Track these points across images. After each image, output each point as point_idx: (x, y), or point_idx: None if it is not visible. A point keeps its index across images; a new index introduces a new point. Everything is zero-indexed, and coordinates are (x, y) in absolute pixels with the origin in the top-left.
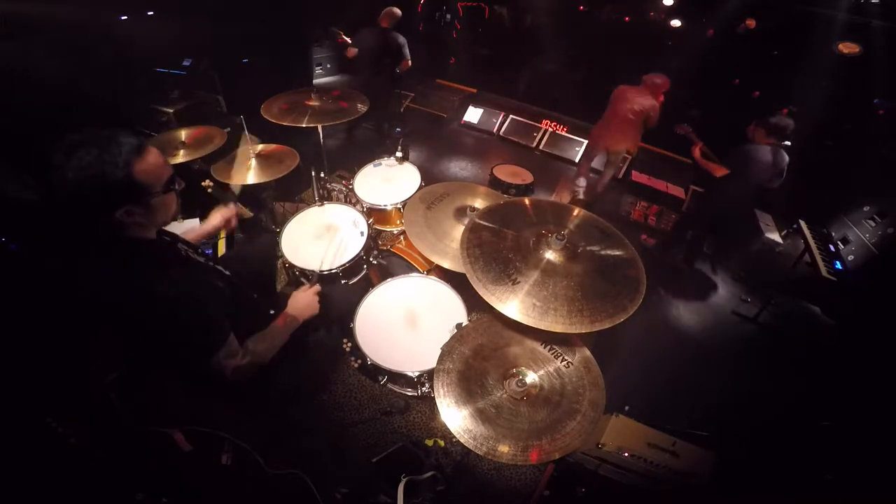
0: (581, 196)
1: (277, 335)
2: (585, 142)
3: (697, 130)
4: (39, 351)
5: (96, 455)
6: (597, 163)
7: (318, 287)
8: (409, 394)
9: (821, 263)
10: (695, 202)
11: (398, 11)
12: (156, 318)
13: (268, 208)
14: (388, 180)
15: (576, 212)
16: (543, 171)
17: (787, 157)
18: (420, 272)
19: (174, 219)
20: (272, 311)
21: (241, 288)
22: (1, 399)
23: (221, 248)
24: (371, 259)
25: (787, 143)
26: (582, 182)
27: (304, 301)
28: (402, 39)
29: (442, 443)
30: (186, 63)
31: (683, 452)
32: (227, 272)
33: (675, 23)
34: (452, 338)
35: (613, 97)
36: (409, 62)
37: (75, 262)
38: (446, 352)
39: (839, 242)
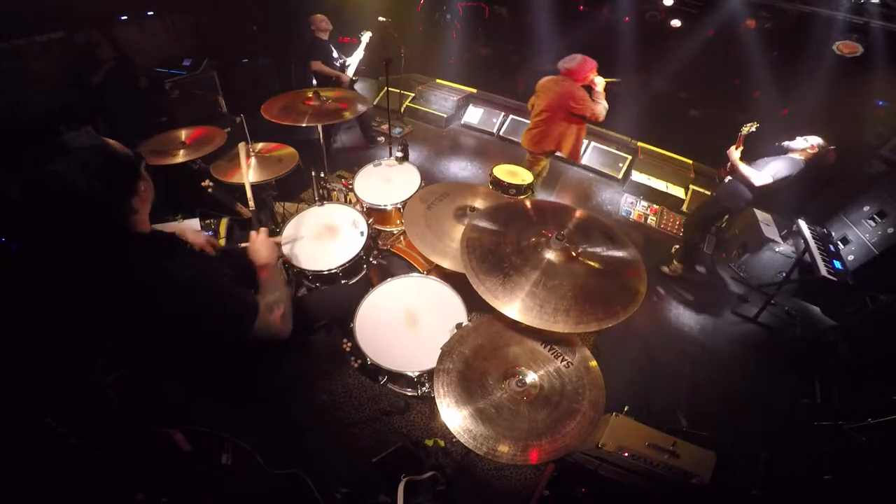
0: None
1: (272, 283)
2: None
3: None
4: (40, 351)
5: (96, 455)
6: None
7: (264, 230)
8: (410, 394)
9: (820, 263)
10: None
11: (315, 18)
12: (194, 302)
13: (268, 208)
14: (388, 180)
15: (576, 212)
16: None
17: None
18: (420, 272)
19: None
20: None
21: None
22: (1, 399)
23: (222, 233)
24: (371, 259)
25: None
26: None
27: (264, 249)
28: (316, 49)
29: (442, 443)
30: (186, 63)
31: (683, 452)
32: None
33: (676, 23)
34: (452, 338)
35: (538, 91)
36: (317, 66)
37: (91, 272)
38: (446, 352)
39: (839, 242)
